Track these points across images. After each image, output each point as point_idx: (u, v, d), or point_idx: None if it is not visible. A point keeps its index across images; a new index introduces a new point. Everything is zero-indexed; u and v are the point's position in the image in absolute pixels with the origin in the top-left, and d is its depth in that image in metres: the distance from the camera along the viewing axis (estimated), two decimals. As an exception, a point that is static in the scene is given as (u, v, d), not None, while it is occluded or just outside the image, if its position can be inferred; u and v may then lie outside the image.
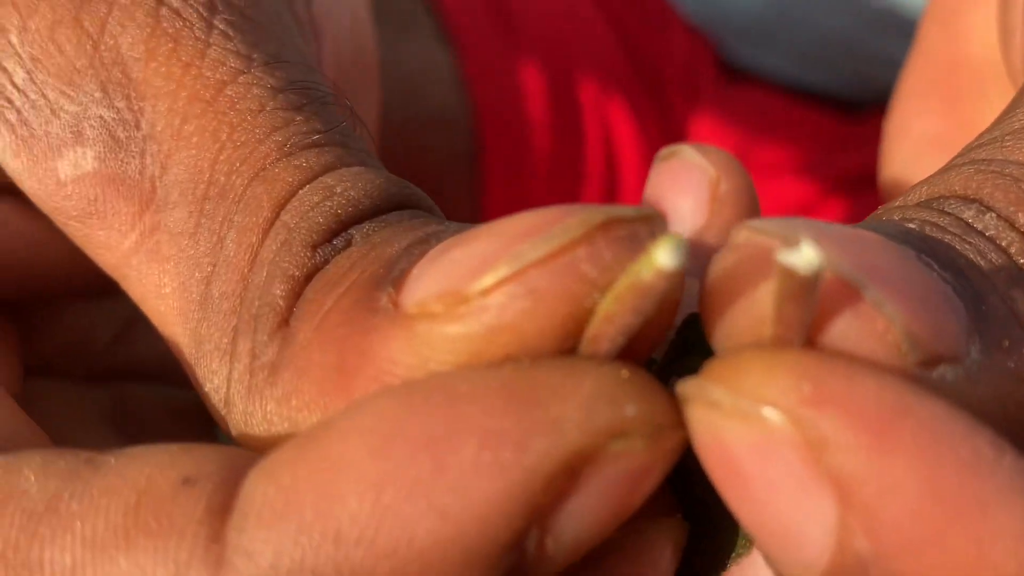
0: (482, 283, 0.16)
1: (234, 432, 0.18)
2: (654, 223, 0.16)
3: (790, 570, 0.15)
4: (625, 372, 0.15)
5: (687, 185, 0.24)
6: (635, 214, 0.16)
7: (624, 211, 0.16)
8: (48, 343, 0.24)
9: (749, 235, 0.16)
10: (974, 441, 0.14)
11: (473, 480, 0.14)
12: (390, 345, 0.16)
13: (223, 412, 0.18)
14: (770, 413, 0.14)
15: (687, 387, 0.15)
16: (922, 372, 0.15)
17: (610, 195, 0.55)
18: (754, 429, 0.15)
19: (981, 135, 0.20)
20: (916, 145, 0.30)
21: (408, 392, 0.15)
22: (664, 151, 0.26)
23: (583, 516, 0.15)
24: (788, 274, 0.14)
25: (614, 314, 0.15)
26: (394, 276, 0.17)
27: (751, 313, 0.15)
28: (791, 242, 0.14)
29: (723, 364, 0.15)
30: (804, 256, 0.14)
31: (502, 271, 0.15)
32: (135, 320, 0.25)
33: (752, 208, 0.25)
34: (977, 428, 0.14)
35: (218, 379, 0.18)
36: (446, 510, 0.14)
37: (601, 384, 0.15)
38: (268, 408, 0.17)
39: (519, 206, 0.54)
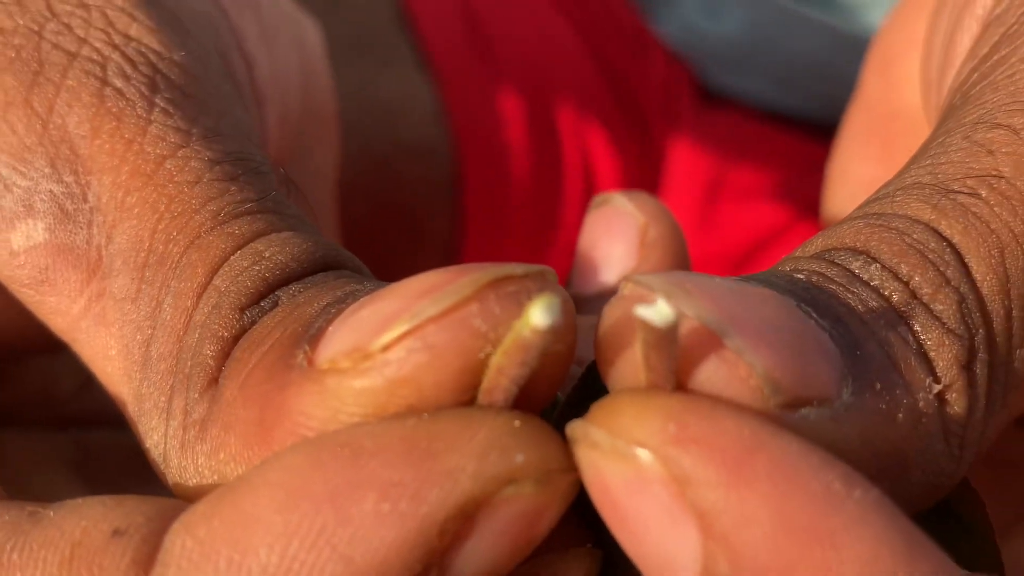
0: (383, 339, 0.17)
1: (171, 484, 0.19)
2: (542, 280, 0.17)
3: None
4: (517, 422, 0.17)
5: (618, 232, 0.26)
6: (524, 272, 0.17)
7: (514, 269, 0.17)
8: (13, 394, 0.26)
9: (633, 288, 0.17)
10: (825, 476, 0.16)
11: (373, 529, 0.16)
12: (304, 399, 0.17)
13: (162, 467, 0.20)
14: (641, 452, 0.16)
15: (574, 430, 0.17)
16: (783, 413, 0.16)
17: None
18: (628, 467, 0.16)
19: (878, 190, 0.21)
20: (854, 189, 0.31)
21: (316, 447, 0.16)
22: (597, 198, 0.27)
23: (481, 555, 0.16)
24: (647, 327, 0.16)
25: (504, 366, 0.17)
26: (311, 334, 0.18)
27: (630, 360, 0.17)
28: (648, 298, 0.16)
29: (602, 408, 0.17)
30: (659, 311, 0.16)
31: (401, 327, 0.17)
32: None
33: (679, 252, 0.26)
34: (829, 463, 0.16)
35: (157, 435, 0.20)
36: (350, 557, 0.16)
37: (493, 435, 0.16)
38: (199, 462, 0.19)
39: (499, 234, 0.55)
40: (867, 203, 0.21)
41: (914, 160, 0.22)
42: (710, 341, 0.17)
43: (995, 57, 0.22)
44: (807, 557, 0.15)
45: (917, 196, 0.20)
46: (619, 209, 0.26)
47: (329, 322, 0.18)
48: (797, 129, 0.61)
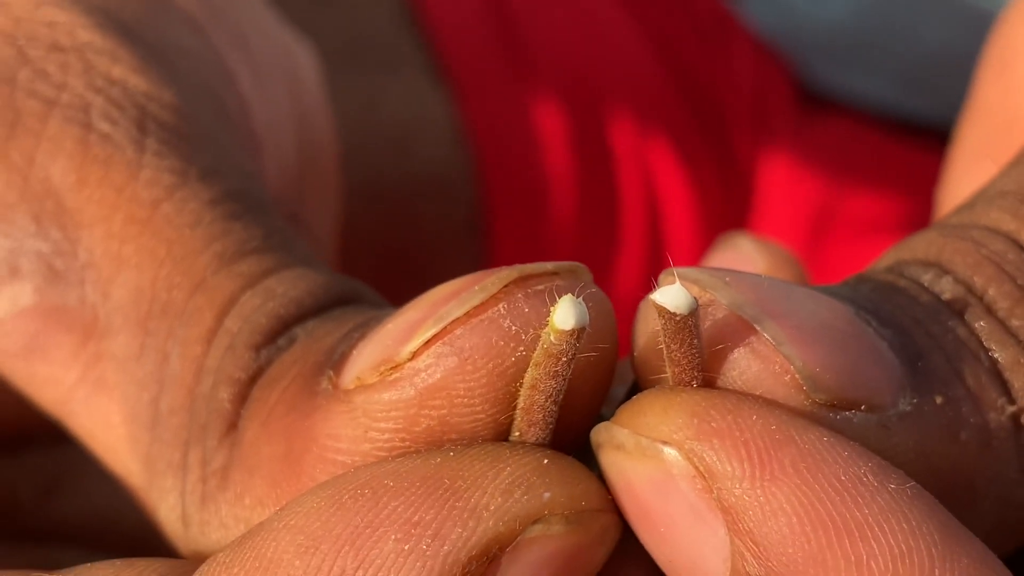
0: (410, 346, 0.23)
1: (191, 550, 0.26)
2: (573, 277, 0.23)
3: None
4: (546, 459, 0.23)
5: None
6: (554, 268, 0.23)
7: (543, 266, 0.23)
8: None
9: (662, 278, 0.23)
10: (856, 467, 0.21)
11: (393, 570, 0.22)
12: (331, 422, 0.24)
13: (181, 533, 0.26)
14: (666, 449, 0.22)
15: (599, 434, 0.23)
16: (823, 412, 0.22)
17: (654, 267, 0.61)
18: (653, 465, 0.22)
19: (962, 201, 0.27)
20: None
21: (337, 488, 0.23)
22: (722, 240, 0.33)
23: None
24: (666, 314, 0.22)
25: (536, 380, 0.23)
26: (334, 361, 0.25)
27: (656, 353, 0.23)
28: (665, 283, 0.22)
29: (628, 408, 0.23)
30: (674, 296, 0.21)
31: (428, 332, 0.23)
32: (62, 477, 0.33)
33: None
34: (862, 455, 0.22)
35: (172, 497, 0.26)
36: None
37: (520, 471, 0.22)
38: (223, 513, 0.25)
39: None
40: (949, 214, 0.27)
41: (1005, 170, 0.28)
42: (743, 331, 0.23)
43: None
44: (836, 550, 0.21)
45: (999, 205, 0.26)
46: (741, 252, 0.33)
47: (352, 346, 0.25)
48: (928, 140, 0.65)
